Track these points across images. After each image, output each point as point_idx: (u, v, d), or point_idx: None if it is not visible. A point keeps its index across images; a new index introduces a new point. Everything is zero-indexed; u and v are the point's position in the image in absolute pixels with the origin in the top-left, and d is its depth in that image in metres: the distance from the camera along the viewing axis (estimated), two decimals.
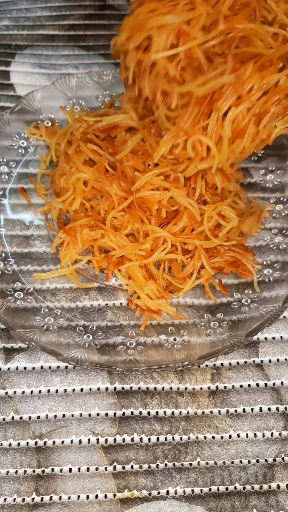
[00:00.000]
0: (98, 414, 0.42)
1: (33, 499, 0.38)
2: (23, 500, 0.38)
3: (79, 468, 0.40)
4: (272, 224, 0.50)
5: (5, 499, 0.38)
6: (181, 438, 0.41)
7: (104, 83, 0.57)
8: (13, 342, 0.45)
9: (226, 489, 0.39)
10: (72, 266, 0.48)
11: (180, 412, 0.42)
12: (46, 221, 0.51)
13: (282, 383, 0.44)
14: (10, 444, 0.41)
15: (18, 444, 0.41)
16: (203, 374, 0.44)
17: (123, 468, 0.40)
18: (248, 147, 0.41)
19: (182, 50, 0.38)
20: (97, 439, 0.41)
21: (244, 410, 0.43)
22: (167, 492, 0.39)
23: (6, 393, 0.43)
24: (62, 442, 0.41)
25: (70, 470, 0.40)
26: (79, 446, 0.41)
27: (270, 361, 0.45)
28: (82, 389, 0.43)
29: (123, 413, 0.42)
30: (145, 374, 0.43)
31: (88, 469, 0.40)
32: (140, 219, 0.46)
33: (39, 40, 0.68)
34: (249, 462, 0.40)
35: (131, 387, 0.43)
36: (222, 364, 0.45)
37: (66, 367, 0.44)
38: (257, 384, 0.44)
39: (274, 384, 0.44)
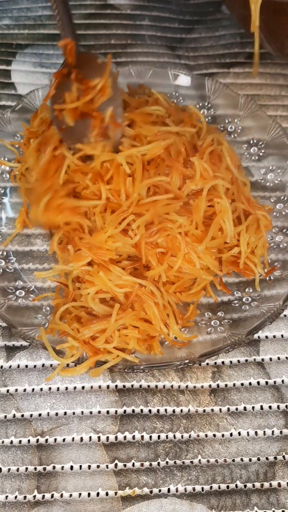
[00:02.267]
0: (99, 412, 0.42)
1: (34, 496, 0.39)
2: (25, 497, 0.38)
3: (80, 466, 0.40)
4: (273, 223, 0.50)
5: (7, 496, 0.38)
6: (182, 436, 0.41)
7: None
8: (15, 340, 0.45)
9: (227, 487, 0.39)
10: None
11: (181, 410, 0.42)
12: None
13: (283, 381, 0.44)
14: (11, 442, 0.41)
15: (20, 441, 0.41)
16: (204, 372, 0.44)
17: (124, 465, 0.40)
18: None
19: None
20: (99, 437, 0.41)
21: (245, 408, 0.43)
22: (168, 489, 0.39)
23: (8, 391, 0.43)
24: (64, 439, 0.41)
25: (72, 467, 0.40)
26: (80, 443, 0.41)
27: (271, 359, 0.45)
28: (83, 387, 0.43)
29: (124, 411, 0.42)
30: (146, 372, 0.43)
31: (89, 467, 0.40)
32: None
33: (40, 39, 0.68)
34: (250, 460, 0.40)
35: (132, 385, 0.43)
36: (223, 362, 0.45)
37: (68, 365, 0.44)
38: (258, 382, 0.44)
39: (275, 382, 0.44)
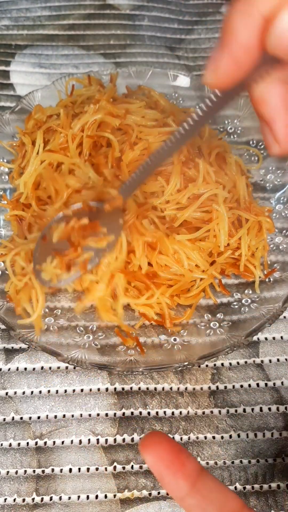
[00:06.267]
0: (98, 415, 0.42)
1: (33, 499, 0.39)
2: (23, 500, 0.38)
3: (79, 468, 0.40)
4: None
5: (5, 499, 0.38)
6: (181, 438, 0.41)
7: (105, 83, 0.57)
8: (14, 343, 0.45)
9: None
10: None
11: (180, 412, 0.42)
12: None
13: (282, 383, 0.44)
14: (10, 444, 0.41)
15: (18, 444, 0.41)
16: (203, 374, 0.44)
17: (123, 468, 0.40)
18: None
19: None
20: (97, 439, 0.41)
21: (244, 410, 0.43)
22: (167, 492, 0.39)
23: (7, 393, 0.43)
24: (62, 442, 0.41)
25: (70, 470, 0.40)
26: (79, 446, 0.41)
27: (270, 361, 0.45)
28: (82, 390, 0.43)
29: (123, 413, 0.42)
30: (145, 374, 0.43)
31: (88, 469, 0.40)
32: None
33: (39, 39, 0.68)
34: (249, 462, 0.40)
35: (131, 388, 0.43)
36: (222, 364, 0.45)
37: (66, 367, 0.44)
38: (258, 384, 0.44)
39: (274, 384, 0.44)
